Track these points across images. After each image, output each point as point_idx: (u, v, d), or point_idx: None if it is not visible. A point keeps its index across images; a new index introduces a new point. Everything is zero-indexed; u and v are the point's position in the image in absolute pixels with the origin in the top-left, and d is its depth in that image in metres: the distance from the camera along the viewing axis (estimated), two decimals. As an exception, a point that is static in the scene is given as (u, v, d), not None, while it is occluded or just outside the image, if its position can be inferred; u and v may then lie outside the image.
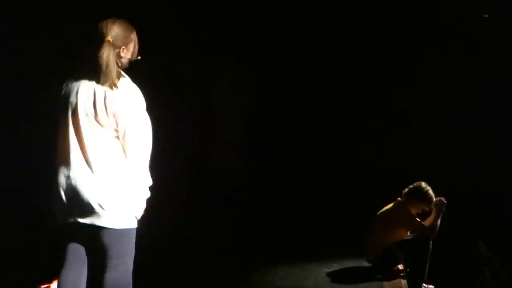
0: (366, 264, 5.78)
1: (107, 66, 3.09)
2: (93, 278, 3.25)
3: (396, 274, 5.55)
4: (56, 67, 3.80)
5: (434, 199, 5.59)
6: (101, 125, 3.13)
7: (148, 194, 3.27)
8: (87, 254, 3.28)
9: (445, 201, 5.57)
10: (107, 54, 3.10)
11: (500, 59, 7.48)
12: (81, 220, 3.14)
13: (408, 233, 5.72)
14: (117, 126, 3.14)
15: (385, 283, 5.37)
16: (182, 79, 7.12)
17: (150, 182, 3.26)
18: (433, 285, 5.65)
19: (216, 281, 5.28)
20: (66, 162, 3.16)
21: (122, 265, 3.22)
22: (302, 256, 6.17)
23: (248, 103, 8.11)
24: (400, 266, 5.64)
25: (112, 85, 3.10)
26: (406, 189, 5.68)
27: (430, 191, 5.61)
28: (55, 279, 3.50)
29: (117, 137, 3.17)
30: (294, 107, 8.02)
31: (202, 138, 7.38)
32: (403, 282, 5.41)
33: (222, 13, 7.59)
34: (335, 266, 5.86)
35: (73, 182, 3.14)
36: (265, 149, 7.90)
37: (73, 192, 3.13)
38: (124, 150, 3.17)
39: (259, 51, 7.94)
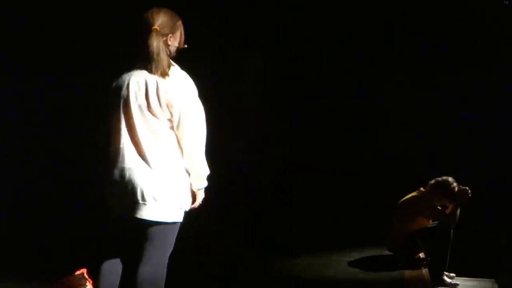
0: (386, 252, 5.77)
1: (158, 54, 3.04)
2: (129, 269, 3.21)
3: (417, 263, 5.53)
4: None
5: (458, 188, 5.56)
6: (155, 116, 3.08)
7: (206, 183, 3.25)
8: (129, 245, 3.24)
9: (469, 192, 5.54)
10: (156, 43, 3.05)
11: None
12: (133, 213, 3.09)
13: (430, 221, 5.70)
14: (171, 116, 3.09)
15: (406, 271, 5.36)
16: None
17: (207, 171, 3.24)
18: (454, 273, 5.64)
19: (236, 274, 5.28)
20: (120, 156, 3.11)
21: (160, 258, 3.19)
22: (321, 246, 6.17)
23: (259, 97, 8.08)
24: (421, 255, 5.62)
25: (164, 74, 3.06)
26: (433, 181, 5.66)
27: (456, 189, 5.59)
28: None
29: (171, 128, 3.12)
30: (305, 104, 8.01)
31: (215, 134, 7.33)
32: (424, 270, 5.39)
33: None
34: (355, 255, 5.84)
35: (127, 175, 3.09)
36: (278, 143, 7.89)
37: (127, 185, 3.08)
38: (179, 141, 3.14)
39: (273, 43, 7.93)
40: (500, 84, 7.63)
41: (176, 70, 3.13)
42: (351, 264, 5.60)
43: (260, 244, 6.18)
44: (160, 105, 3.07)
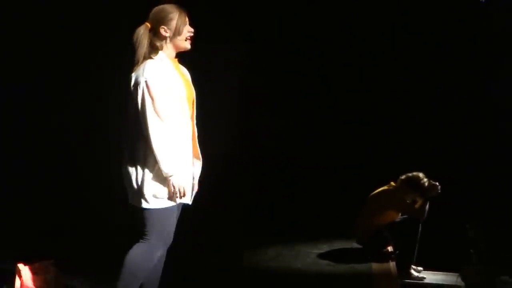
0: (356, 245, 5.80)
1: (139, 47, 3.24)
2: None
3: (385, 256, 5.57)
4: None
5: (428, 183, 5.61)
6: (133, 109, 3.28)
7: (169, 172, 3.25)
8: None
9: (439, 187, 5.59)
10: (143, 36, 3.25)
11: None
12: (130, 200, 3.42)
13: (399, 215, 5.74)
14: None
15: (374, 264, 5.39)
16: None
17: (165, 162, 3.24)
18: (421, 267, 5.69)
19: (202, 266, 5.25)
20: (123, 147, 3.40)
21: (146, 242, 3.37)
22: (291, 237, 6.19)
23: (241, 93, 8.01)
24: (390, 248, 5.67)
25: (136, 67, 3.27)
26: (403, 176, 5.69)
27: (427, 184, 5.62)
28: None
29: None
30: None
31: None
32: (392, 264, 5.43)
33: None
34: (324, 247, 5.88)
35: (123, 164, 3.38)
36: (254, 133, 7.85)
37: (124, 173, 3.38)
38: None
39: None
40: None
41: (145, 62, 3.26)
42: (320, 256, 5.62)
43: (227, 235, 6.18)
44: (131, 99, 3.31)
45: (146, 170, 3.28)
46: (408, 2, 7.43)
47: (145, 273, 3.40)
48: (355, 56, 7.67)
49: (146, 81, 3.20)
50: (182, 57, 3.49)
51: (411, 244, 5.52)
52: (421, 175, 5.66)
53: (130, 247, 3.40)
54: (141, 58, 3.23)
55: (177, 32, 3.30)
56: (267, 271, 5.19)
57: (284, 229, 6.45)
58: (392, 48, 7.59)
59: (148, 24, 3.27)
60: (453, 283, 5.65)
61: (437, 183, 5.60)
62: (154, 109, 3.20)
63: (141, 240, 3.38)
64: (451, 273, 5.78)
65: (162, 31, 3.27)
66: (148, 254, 3.38)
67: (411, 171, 5.69)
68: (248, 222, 6.60)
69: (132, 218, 3.44)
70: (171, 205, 3.35)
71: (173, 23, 3.29)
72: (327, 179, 7.36)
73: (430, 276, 5.61)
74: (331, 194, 7.05)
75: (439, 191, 5.59)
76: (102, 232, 5.88)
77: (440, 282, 5.55)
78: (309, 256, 5.62)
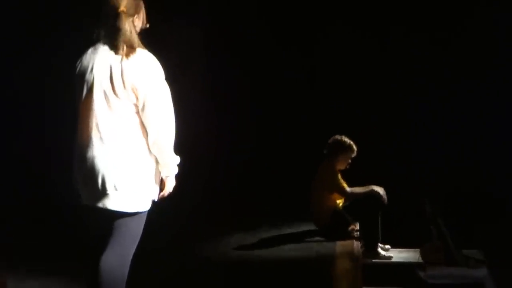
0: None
1: (128, 36, 2.98)
2: (96, 259, 3.08)
3: (348, 235, 5.54)
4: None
5: (375, 189, 5.58)
6: (120, 100, 2.97)
7: (176, 170, 3.14)
8: (99, 235, 3.12)
9: (383, 196, 5.57)
10: (128, 25, 3.00)
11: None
12: (94, 203, 3.01)
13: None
14: (136, 100, 2.98)
15: (338, 243, 5.37)
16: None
17: (176, 159, 3.12)
18: (389, 245, 5.66)
19: (167, 256, 5.12)
20: (84, 142, 3.02)
21: (124, 248, 3.09)
22: (253, 225, 6.11)
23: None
24: (355, 227, 5.63)
25: (130, 56, 2.97)
26: (325, 150, 5.70)
27: (346, 138, 5.66)
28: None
29: (137, 113, 3.01)
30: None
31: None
32: (356, 243, 5.39)
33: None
34: (286, 231, 5.84)
35: (89, 162, 2.99)
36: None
37: (89, 172, 2.99)
38: (144, 126, 3.02)
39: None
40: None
41: (142, 52, 3.03)
42: (283, 241, 5.57)
43: (187, 226, 6.05)
44: (125, 88, 2.96)
45: (144, 170, 3.03)
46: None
47: (124, 281, 3.12)
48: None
49: (162, 76, 3.06)
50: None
51: (374, 224, 5.49)
52: (337, 136, 5.69)
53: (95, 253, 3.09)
54: (124, 46, 2.99)
55: (144, 23, 3.16)
56: (230, 260, 5.11)
57: (246, 217, 6.37)
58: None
59: (124, 10, 3.01)
60: (416, 260, 5.65)
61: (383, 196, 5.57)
62: (171, 105, 3.07)
63: (112, 246, 3.06)
64: (415, 250, 5.78)
65: (136, 20, 3.10)
66: (125, 261, 3.10)
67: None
68: (208, 212, 6.48)
69: (88, 222, 3.12)
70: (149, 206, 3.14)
71: (142, 12, 3.15)
72: (286, 165, 7.30)
73: (397, 254, 5.57)
74: (291, 179, 6.99)
75: (383, 196, 5.56)
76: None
77: (405, 260, 5.52)
78: (272, 242, 5.56)
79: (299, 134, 7.58)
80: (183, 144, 6.76)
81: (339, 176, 5.65)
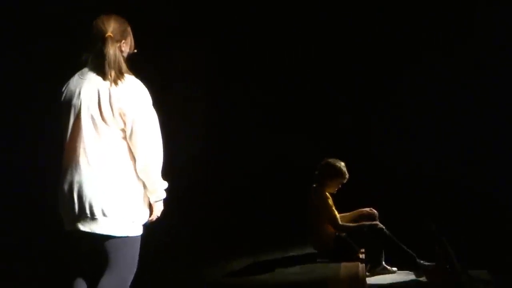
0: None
1: (115, 62, 2.99)
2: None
3: (353, 258, 5.39)
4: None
5: (367, 210, 5.52)
6: (108, 126, 2.98)
7: (164, 195, 3.15)
8: (92, 262, 3.11)
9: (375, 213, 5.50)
10: (113, 50, 3.00)
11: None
12: (82, 228, 2.99)
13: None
14: (124, 125, 2.99)
15: (342, 265, 5.23)
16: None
17: (164, 184, 3.12)
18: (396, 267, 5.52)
19: (164, 281, 5.03)
20: (70, 167, 3.02)
21: (119, 273, 3.05)
22: (253, 248, 5.99)
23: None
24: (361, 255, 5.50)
25: (117, 81, 2.97)
26: (316, 172, 5.57)
27: (339, 163, 5.52)
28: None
29: (125, 138, 3.02)
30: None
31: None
32: (361, 266, 5.26)
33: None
34: (292, 254, 5.72)
35: (76, 187, 2.99)
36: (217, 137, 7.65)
37: (76, 197, 2.99)
38: (132, 151, 3.02)
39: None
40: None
41: (130, 78, 3.05)
42: (285, 264, 5.43)
43: (185, 250, 5.94)
44: (113, 114, 2.97)
45: (132, 195, 3.02)
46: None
47: None
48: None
49: (150, 102, 3.07)
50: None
51: (379, 248, 5.40)
52: (329, 160, 5.55)
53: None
54: (112, 71, 2.97)
55: (131, 48, 3.17)
56: (232, 284, 5.00)
57: (245, 241, 6.25)
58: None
59: (111, 35, 3.03)
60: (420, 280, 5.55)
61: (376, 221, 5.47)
62: (158, 131, 3.08)
63: (110, 272, 3.03)
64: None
65: (123, 45, 3.11)
66: (125, 285, 3.09)
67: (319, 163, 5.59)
68: (209, 234, 6.39)
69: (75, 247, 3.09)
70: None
71: (129, 38, 3.16)
72: (287, 185, 7.19)
73: (402, 277, 5.44)
74: (293, 199, 6.86)
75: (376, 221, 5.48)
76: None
77: (408, 279, 5.38)
78: (273, 265, 5.42)
79: (301, 156, 7.47)
80: (183, 166, 6.79)
81: (331, 203, 5.49)
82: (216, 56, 7.79)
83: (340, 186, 5.56)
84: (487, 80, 7.54)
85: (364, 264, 5.30)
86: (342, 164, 5.52)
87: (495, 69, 7.49)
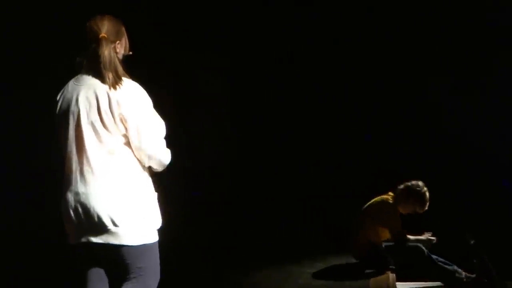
0: (352, 260, 5.48)
1: (110, 63, 2.88)
2: None
3: (384, 269, 5.20)
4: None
5: (425, 236, 5.33)
6: (109, 132, 2.87)
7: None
8: (106, 275, 3.00)
9: (433, 240, 5.33)
10: (108, 51, 2.89)
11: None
12: (94, 240, 2.87)
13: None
14: (126, 131, 2.88)
15: (372, 279, 5.07)
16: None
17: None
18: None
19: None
20: (74, 178, 2.90)
21: (143, 284, 2.94)
22: (281, 257, 5.88)
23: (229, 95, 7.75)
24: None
25: (115, 85, 2.86)
26: (402, 186, 5.39)
27: (427, 194, 5.33)
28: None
29: (127, 144, 2.91)
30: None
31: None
32: (391, 276, 5.07)
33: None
34: (318, 266, 5.57)
35: (82, 198, 2.87)
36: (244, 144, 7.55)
37: (83, 209, 2.87)
38: (136, 156, 2.93)
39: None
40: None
41: (127, 81, 2.93)
42: (314, 275, 5.31)
43: (214, 255, 5.87)
44: (114, 120, 2.87)
45: (141, 201, 2.91)
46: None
47: None
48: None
49: (151, 104, 2.97)
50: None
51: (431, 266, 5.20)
52: (420, 183, 5.36)
53: None
54: (108, 73, 2.87)
55: (126, 49, 3.06)
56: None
57: (273, 249, 6.13)
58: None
59: (105, 36, 2.92)
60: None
61: (432, 239, 5.33)
62: (163, 133, 3.01)
63: (132, 283, 2.93)
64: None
65: (118, 46, 3.00)
66: None
67: (409, 181, 5.39)
68: (234, 243, 6.25)
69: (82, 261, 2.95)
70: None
71: (124, 39, 3.05)
72: (318, 193, 7.02)
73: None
74: (323, 208, 6.74)
75: (434, 242, 5.32)
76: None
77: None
78: (301, 276, 5.31)
79: (337, 163, 7.32)
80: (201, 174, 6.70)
81: (399, 219, 5.33)
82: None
83: (411, 212, 5.40)
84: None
85: (394, 274, 5.11)
86: (428, 195, 5.32)
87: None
